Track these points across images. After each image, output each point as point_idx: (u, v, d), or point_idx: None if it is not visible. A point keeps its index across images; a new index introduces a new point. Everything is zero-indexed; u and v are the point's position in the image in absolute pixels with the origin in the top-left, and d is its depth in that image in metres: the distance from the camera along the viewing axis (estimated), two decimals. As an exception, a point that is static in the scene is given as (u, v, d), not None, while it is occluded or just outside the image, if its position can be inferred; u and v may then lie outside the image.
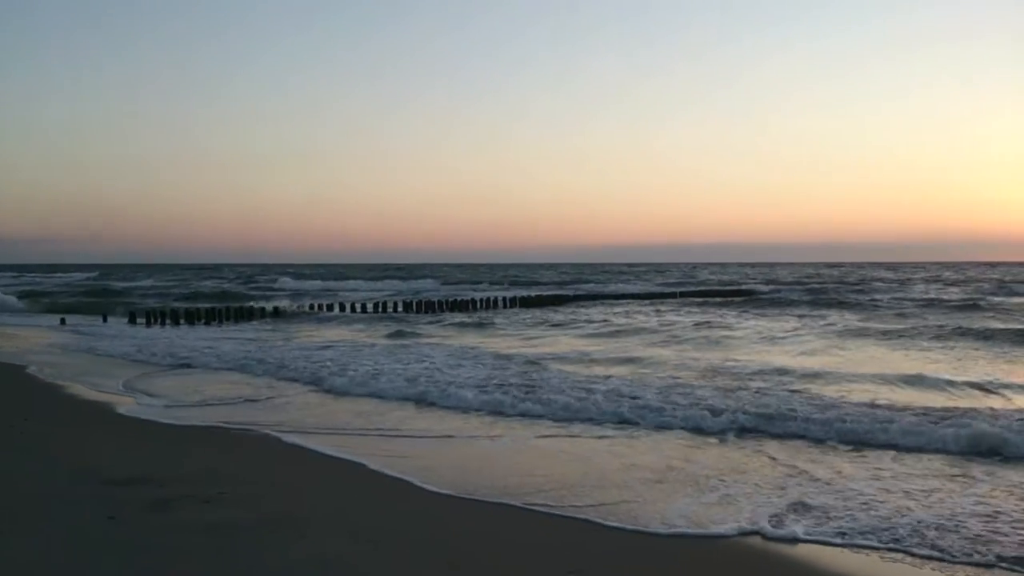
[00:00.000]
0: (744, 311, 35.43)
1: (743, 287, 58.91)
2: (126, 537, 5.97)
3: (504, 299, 43.73)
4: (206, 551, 5.66)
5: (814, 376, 14.76)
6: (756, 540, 6.15)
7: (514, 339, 24.44)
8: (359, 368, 16.19)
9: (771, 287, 58.77)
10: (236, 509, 6.71)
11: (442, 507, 7.11)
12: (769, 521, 6.46)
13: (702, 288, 58.72)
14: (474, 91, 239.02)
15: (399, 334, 26.19)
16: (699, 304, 42.05)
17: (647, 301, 45.87)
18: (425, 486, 7.72)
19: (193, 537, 5.96)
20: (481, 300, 42.15)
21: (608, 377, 14.90)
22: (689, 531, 6.32)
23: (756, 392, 12.74)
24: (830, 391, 13.00)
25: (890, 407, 11.15)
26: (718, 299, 46.41)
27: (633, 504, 7.09)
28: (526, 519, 6.74)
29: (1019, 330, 22.47)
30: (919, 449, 8.99)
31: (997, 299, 40.20)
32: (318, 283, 74.14)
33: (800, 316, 31.99)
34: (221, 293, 56.96)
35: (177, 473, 8.02)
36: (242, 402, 13.05)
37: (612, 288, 60.30)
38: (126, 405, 12.71)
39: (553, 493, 7.42)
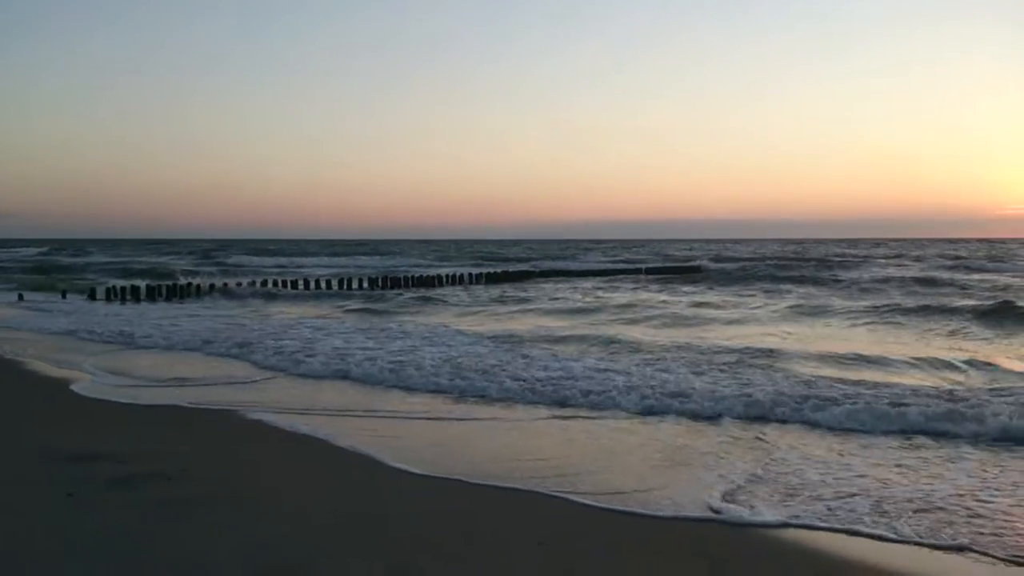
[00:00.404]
0: (710, 287, 35.98)
1: (697, 263, 59.03)
2: (85, 514, 5.94)
3: (471, 275, 43.99)
4: (165, 529, 5.65)
5: (770, 353, 14.96)
6: (711, 521, 6.28)
7: (479, 316, 24.52)
8: (325, 347, 16.02)
9: (741, 263, 59.15)
10: (198, 487, 6.70)
11: (411, 485, 7.10)
12: (724, 498, 6.60)
13: (668, 265, 58.88)
14: (446, 72, 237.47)
15: (366, 312, 26.09)
16: (662, 281, 42.44)
17: (607, 278, 46.15)
18: (395, 464, 7.71)
19: (152, 514, 5.94)
20: (447, 276, 42.41)
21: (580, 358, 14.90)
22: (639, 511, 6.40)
23: (727, 369, 12.93)
24: (796, 367, 13.30)
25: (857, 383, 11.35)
26: (678, 276, 46.35)
27: (609, 479, 7.19)
28: (498, 498, 6.79)
29: (976, 306, 23.00)
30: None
31: (958, 275, 41.06)
32: (280, 259, 72.99)
33: (766, 292, 32.59)
34: (169, 272, 55.46)
35: (139, 451, 7.96)
36: (207, 383, 12.92)
37: (576, 265, 60.39)
38: (88, 383, 12.53)
39: (526, 474, 7.47)
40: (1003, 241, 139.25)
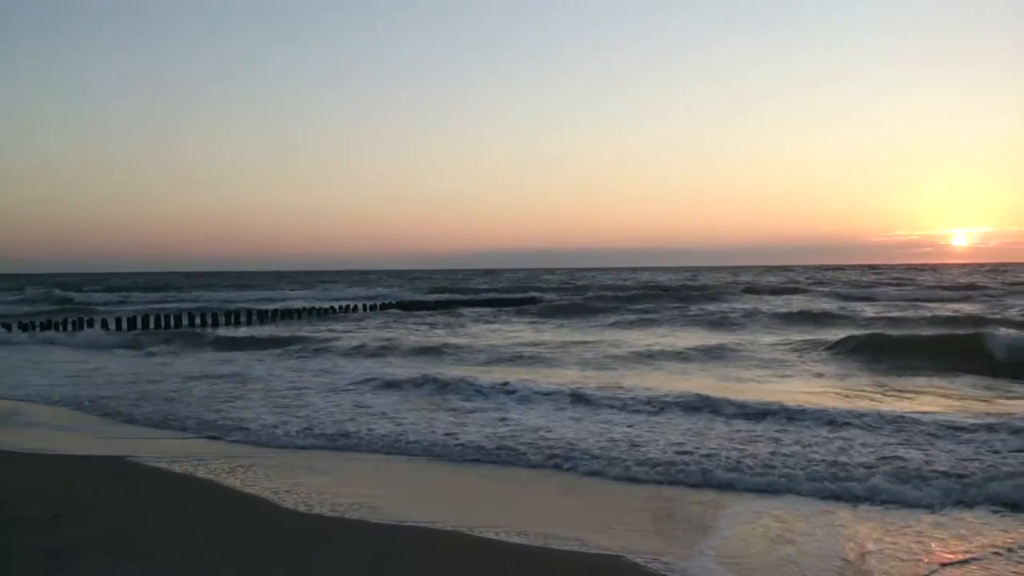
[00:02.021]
0: (506, 320, 36.33)
1: (532, 295, 56.14)
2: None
3: (367, 305, 45.41)
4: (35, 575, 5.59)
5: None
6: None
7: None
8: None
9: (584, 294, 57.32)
10: (73, 531, 6.59)
11: (296, 525, 7.09)
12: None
13: (502, 296, 55.20)
14: (346, 105, 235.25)
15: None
16: (484, 313, 41.03)
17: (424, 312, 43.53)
18: (281, 504, 7.70)
19: (22, 561, 5.85)
20: (340, 307, 43.64)
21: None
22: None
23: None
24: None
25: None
26: (511, 308, 44.45)
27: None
28: (373, 534, 6.91)
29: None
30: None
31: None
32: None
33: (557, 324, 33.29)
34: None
35: (14, 496, 7.75)
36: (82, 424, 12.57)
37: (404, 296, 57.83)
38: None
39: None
40: (875, 267, 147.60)
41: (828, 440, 9.93)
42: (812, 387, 15.24)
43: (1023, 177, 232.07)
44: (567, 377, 16.62)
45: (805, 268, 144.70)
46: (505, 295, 56.85)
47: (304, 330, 31.29)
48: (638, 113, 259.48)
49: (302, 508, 7.57)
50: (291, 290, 74.99)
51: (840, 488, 7.95)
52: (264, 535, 6.76)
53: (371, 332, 30.00)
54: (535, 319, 36.43)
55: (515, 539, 6.63)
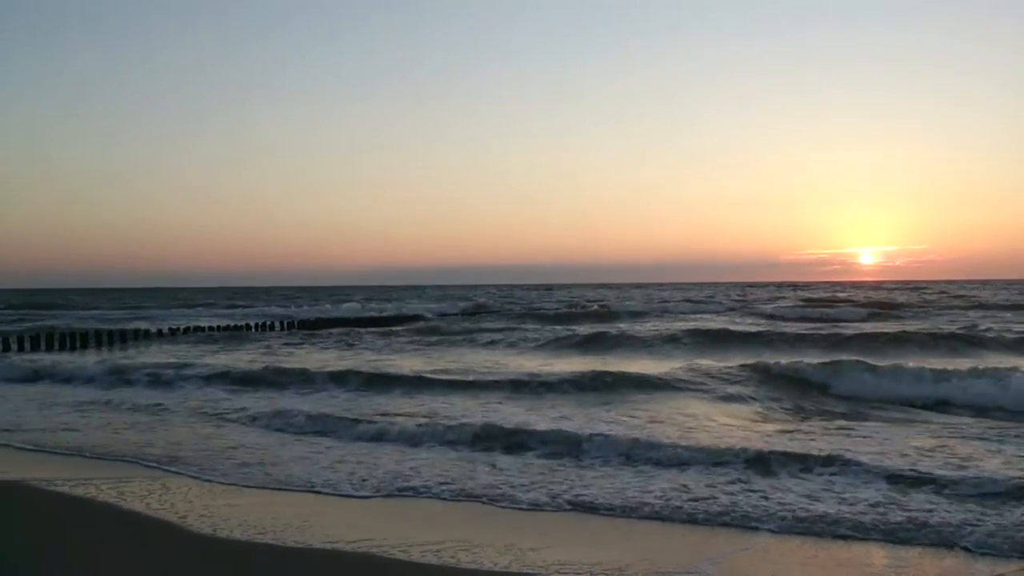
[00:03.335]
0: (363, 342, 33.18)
1: (417, 313, 55.86)
2: None
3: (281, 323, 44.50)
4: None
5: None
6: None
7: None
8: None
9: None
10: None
11: (204, 548, 6.85)
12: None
13: (386, 315, 53.55)
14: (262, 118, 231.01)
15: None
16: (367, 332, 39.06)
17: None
18: (188, 527, 7.43)
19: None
20: (256, 325, 42.33)
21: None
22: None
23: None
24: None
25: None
26: (399, 326, 44.40)
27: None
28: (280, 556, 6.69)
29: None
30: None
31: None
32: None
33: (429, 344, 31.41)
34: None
35: None
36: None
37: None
38: None
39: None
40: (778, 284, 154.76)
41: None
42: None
43: (926, 198, 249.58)
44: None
45: (717, 286, 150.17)
46: (387, 314, 54.35)
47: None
48: (555, 134, 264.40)
49: None
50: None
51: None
52: None
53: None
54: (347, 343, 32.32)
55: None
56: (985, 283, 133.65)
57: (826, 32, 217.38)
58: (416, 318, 51.63)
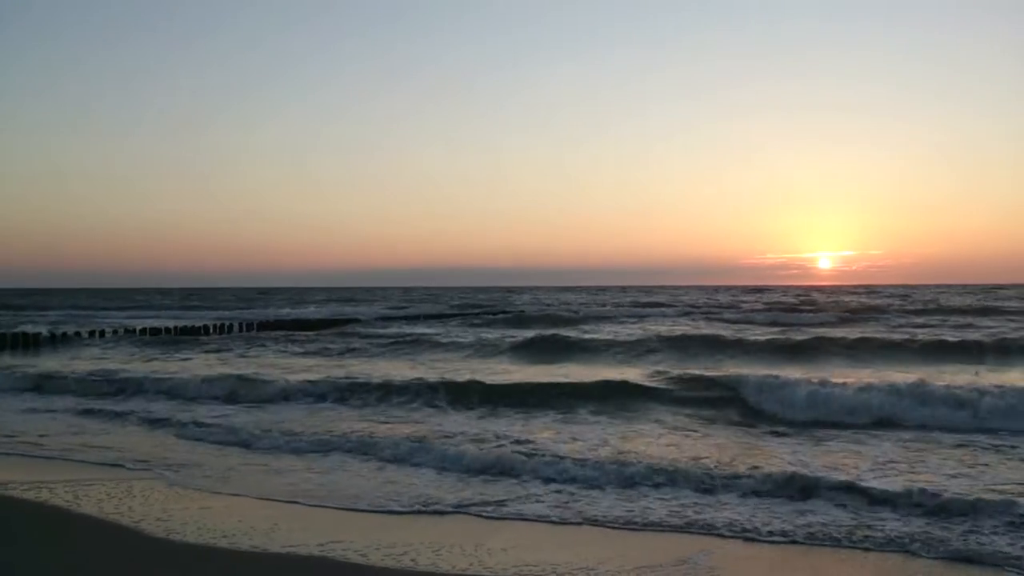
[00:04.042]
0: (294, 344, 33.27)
1: (357, 317, 54.65)
2: None
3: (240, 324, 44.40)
4: None
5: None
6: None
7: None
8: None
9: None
10: None
11: (165, 554, 6.93)
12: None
13: (326, 318, 51.60)
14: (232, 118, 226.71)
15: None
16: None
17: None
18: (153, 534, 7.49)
19: None
20: (215, 326, 42.24)
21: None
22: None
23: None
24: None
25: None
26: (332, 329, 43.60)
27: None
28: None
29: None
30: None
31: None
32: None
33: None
34: None
35: None
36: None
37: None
38: None
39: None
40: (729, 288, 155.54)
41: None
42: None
43: (883, 204, 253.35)
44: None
45: (677, 289, 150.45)
46: (330, 317, 52.94)
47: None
48: (511, 132, 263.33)
49: None
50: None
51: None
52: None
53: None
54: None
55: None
56: (940, 287, 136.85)
57: (786, 41, 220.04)
58: (349, 321, 50.32)
